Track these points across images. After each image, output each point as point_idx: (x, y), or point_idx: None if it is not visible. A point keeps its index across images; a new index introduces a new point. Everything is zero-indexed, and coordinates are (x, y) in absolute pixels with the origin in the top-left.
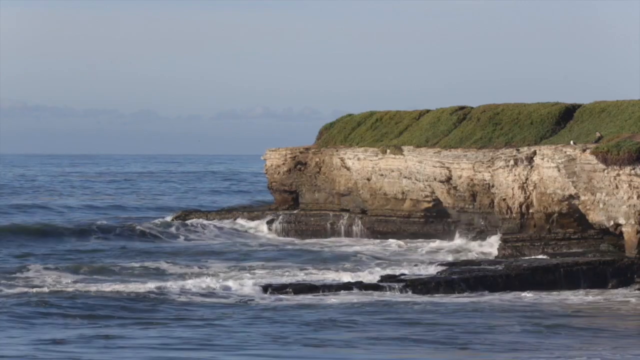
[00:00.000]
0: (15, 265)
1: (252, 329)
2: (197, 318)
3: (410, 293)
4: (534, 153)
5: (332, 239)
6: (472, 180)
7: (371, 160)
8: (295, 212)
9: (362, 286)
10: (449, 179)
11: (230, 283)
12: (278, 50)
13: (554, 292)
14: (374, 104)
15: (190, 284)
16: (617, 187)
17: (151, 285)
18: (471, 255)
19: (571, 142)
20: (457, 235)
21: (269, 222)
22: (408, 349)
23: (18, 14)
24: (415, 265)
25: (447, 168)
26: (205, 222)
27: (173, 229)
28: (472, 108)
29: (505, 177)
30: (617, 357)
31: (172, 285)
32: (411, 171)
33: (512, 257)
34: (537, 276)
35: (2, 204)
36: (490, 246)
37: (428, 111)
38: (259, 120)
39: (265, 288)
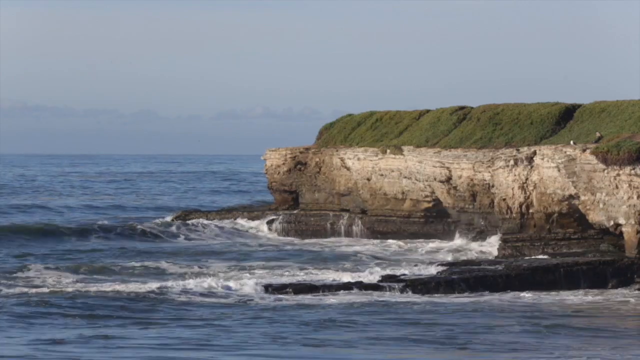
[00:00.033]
0: (15, 265)
1: (252, 329)
2: (197, 318)
3: (410, 293)
4: (534, 153)
5: (332, 239)
6: (472, 180)
7: (371, 160)
8: (295, 212)
9: (362, 286)
10: (449, 179)
11: (230, 283)
12: (278, 50)
13: (554, 292)
14: (374, 104)
15: (190, 283)
16: (617, 187)
17: (151, 285)
18: (471, 255)
19: (571, 142)
20: (457, 235)
21: (269, 222)
22: (408, 349)
23: (18, 14)
24: (415, 265)
25: (447, 168)
26: (205, 222)
27: (173, 229)
28: (472, 108)
29: (505, 177)
30: (616, 357)
31: (172, 285)
32: (411, 171)
33: (512, 257)
34: (537, 276)
35: (1, 204)
36: (490, 246)
37: (428, 111)
38: (259, 120)
39: (265, 288)
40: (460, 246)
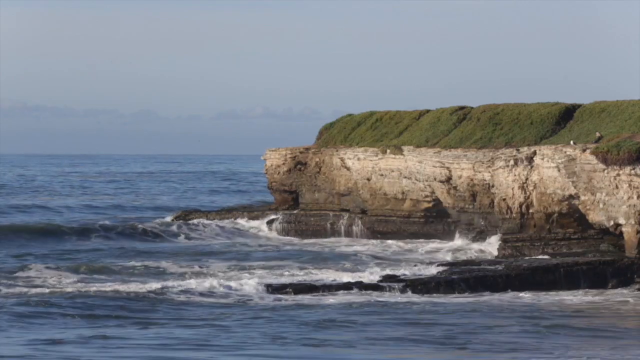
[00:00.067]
0: (15, 264)
1: (252, 329)
2: (196, 318)
3: (410, 293)
4: (534, 153)
5: (332, 239)
6: (472, 180)
7: (371, 160)
8: (295, 212)
9: (362, 286)
10: (449, 179)
11: (230, 283)
12: (278, 50)
13: (554, 292)
14: (374, 104)
15: (189, 283)
16: (617, 187)
17: (151, 285)
18: (471, 255)
19: (571, 142)
20: (457, 235)
21: (269, 222)
22: (407, 349)
23: (18, 14)
24: (415, 265)
25: (447, 168)
26: (205, 222)
27: (173, 229)
28: (472, 108)
29: (505, 177)
30: (616, 357)
31: (172, 285)
32: (411, 171)
33: (512, 257)
34: (537, 276)
35: (1, 204)
36: (490, 246)
37: (428, 111)
38: (259, 120)
39: (266, 288)
40: (460, 246)
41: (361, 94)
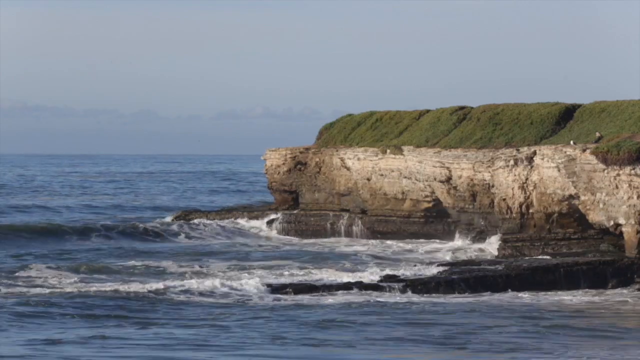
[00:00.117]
0: (15, 264)
1: (251, 329)
2: (196, 318)
3: (410, 293)
4: (534, 153)
5: (332, 239)
6: (472, 180)
7: (371, 160)
8: (295, 212)
9: (362, 286)
10: (449, 179)
11: (230, 283)
12: (278, 50)
13: (554, 292)
14: (374, 104)
15: (189, 283)
16: (617, 187)
17: (150, 284)
18: (471, 255)
19: (571, 142)
20: (457, 235)
21: (269, 222)
22: (407, 349)
23: (18, 14)
24: (415, 265)
25: (447, 168)
26: (205, 221)
27: (174, 229)
28: (472, 108)
29: (505, 177)
30: (616, 357)
31: (172, 285)
32: (411, 171)
33: (512, 257)
34: (537, 276)
35: (1, 204)
36: (490, 246)
37: (428, 111)
38: (259, 120)
39: (265, 288)
40: (460, 246)
41: (361, 94)
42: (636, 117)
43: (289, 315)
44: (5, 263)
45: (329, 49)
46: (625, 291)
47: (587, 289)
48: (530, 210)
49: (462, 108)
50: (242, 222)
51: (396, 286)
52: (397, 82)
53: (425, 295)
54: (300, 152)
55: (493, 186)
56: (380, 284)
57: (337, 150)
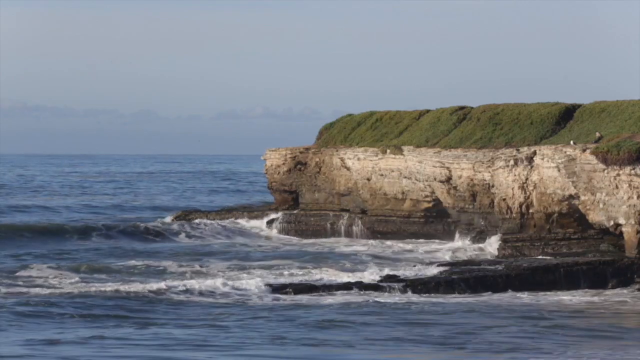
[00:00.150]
0: (15, 264)
1: (251, 329)
2: (196, 318)
3: (409, 293)
4: (534, 153)
5: (332, 239)
6: (472, 180)
7: (371, 160)
8: (295, 212)
9: (361, 286)
10: (449, 179)
11: (229, 283)
12: (278, 50)
13: (554, 292)
14: (374, 104)
15: (189, 283)
16: (617, 187)
17: (150, 284)
18: (471, 255)
19: (571, 142)
20: (457, 235)
21: (269, 222)
22: (406, 349)
23: (18, 14)
24: (415, 265)
25: (447, 168)
26: (205, 221)
27: (173, 229)
28: (472, 108)
29: (505, 177)
30: (615, 357)
31: (172, 285)
32: (411, 171)
33: (512, 257)
34: (537, 276)
35: (1, 204)
36: (490, 246)
37: (428, 111)
38: (259, 120)
39: (265, 288)
40: (460, 246)
41: (361, 94)
42: (636, 117)
43: (289, 315)
44: (5, 263)
45: (329, 49)
46: (625, 291)
47: (587, 289)
48: (530, 210)
49: (462, 108)
50: (242, 222)
51: (396, 286)
52: (397, 82)
53: (425, 295)
54: (300, 152)
55: (493, 186)
56: (380, 284)
57: (337, 150)
